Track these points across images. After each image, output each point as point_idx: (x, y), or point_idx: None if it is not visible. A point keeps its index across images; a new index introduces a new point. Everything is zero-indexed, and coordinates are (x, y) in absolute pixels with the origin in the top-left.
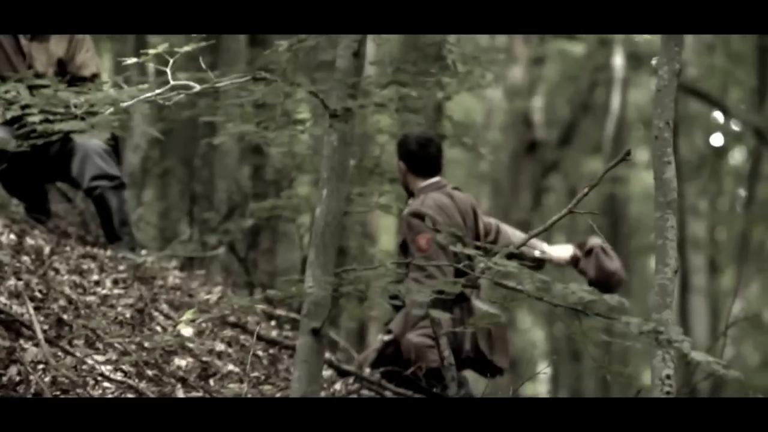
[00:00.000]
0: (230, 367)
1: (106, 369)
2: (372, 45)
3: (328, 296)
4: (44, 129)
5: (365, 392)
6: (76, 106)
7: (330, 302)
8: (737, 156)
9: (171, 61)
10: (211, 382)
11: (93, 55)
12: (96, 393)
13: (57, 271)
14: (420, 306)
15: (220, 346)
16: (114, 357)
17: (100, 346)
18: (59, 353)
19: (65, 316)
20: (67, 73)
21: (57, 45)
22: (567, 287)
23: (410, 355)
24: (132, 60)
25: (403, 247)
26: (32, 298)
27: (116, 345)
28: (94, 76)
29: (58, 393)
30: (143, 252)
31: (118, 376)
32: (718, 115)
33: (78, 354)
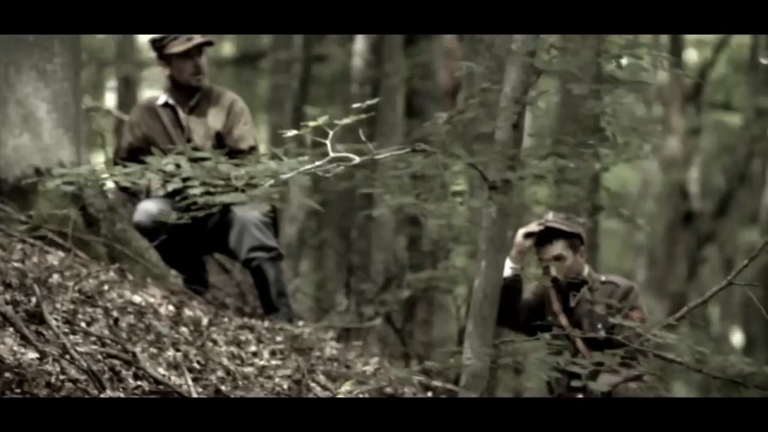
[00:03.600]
0: None
1: None
2: (530, 116)
3: (486, 367)
4: (205, 201)
5: None
6: (236, 179)
7: (488, 373)
8: None
9: (330, 133)
10: None
11: (251, 128)
12: None
13: (215, 342)
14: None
15: None
16: None
17: None
18: None
19: (223, 387)
20: (224, 145)
21: (215, 118)
22: (726, 359)
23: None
24: (291, 132)
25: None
26: (190, 369)
27: None
28: (252, 149)
29: None
30: (300, 323)
31: None
32: None
33: None
